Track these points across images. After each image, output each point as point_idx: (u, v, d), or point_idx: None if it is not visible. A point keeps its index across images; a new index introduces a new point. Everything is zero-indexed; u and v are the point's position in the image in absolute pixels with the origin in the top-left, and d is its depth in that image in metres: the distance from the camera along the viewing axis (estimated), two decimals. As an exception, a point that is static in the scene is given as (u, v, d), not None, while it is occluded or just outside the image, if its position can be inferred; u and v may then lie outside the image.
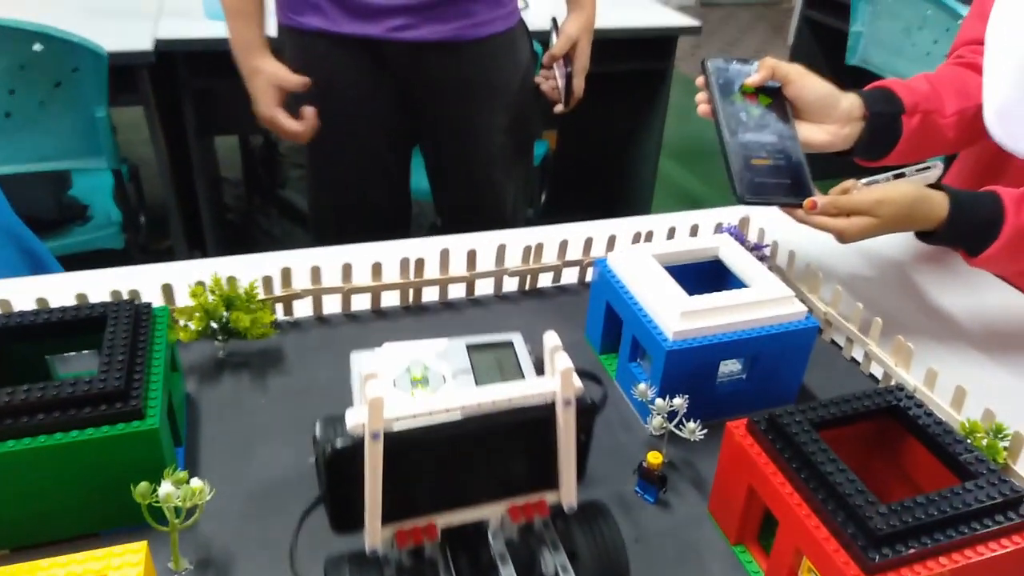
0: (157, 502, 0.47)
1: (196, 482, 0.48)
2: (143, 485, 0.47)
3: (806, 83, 0.75)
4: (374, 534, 0.44)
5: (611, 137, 2.60)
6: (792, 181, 0.72)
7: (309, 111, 1.13)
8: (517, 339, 0.56)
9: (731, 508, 0.54)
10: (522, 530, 0.48)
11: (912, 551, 0.43)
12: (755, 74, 0.74)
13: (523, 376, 0.52)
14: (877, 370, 0.71)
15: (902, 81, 0.81)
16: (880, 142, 0.79)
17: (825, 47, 3.00)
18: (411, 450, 0.44)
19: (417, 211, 1.51)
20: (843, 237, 0.72)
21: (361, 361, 0.56)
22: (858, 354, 0.74)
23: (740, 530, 0.54)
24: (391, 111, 1.22)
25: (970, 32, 0.88)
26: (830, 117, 0.76)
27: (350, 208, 1.29)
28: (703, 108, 0.76)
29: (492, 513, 0.48)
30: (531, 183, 1.80)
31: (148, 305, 0.58)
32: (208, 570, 0.51)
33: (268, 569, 0.51)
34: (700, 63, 0.77)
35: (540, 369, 0.52)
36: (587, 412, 0.46)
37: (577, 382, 0.44)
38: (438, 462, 0.45)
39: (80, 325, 0.55)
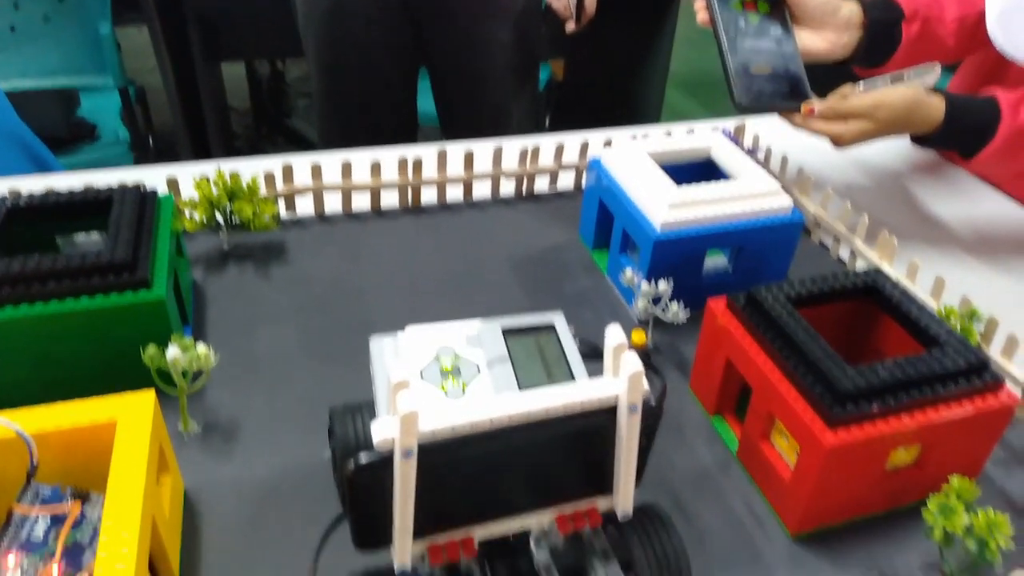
0: (165, 366, 0.50)
1: (202, 347, 0.51)
2: (152, 348, 0.50)
3: None
4: (403, 553, 0.39)
5: (618, 65, 2.57)
6: (790, 87, 0.73)
7: None
8: (559, 321, 0.48)
9: (710, 382, 0.57)
10: (570, 539, 0.43)
11: (875, 408, 0.46)
12: None
13: (568, 366, 0.46)
14: (862, 267, 0.73)
15: None
16: (879, 50, 0.79)
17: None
18: (447, 459, 0.37)
19: (423, 139, 1.52)
20: (840, 142, 0.72)
21: (383, 349, 0.46)
22: (845, 254, 0.76)
23: (718, 402, 0.57)
24: (397, 29, 1.21)
25: None
26: (829, 24, 0.76)
27: (358, 131, 1.30)
28: (702, 16, 0.76)
29: (537, 523, 0.42)
30: (537, 107, 1.79)
31: (154, 191, 0.60)
32: (215, 433, 0.54)
33: (274, 433, 0.54)
34: None
35: (586, 355, 0.47)
36: (652, 415, 0.41)
37: (645, 385, 0.38)
38: (476, 470, 0.39)
39: (87, 207, 0.58)
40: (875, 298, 0.55)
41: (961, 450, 0.50)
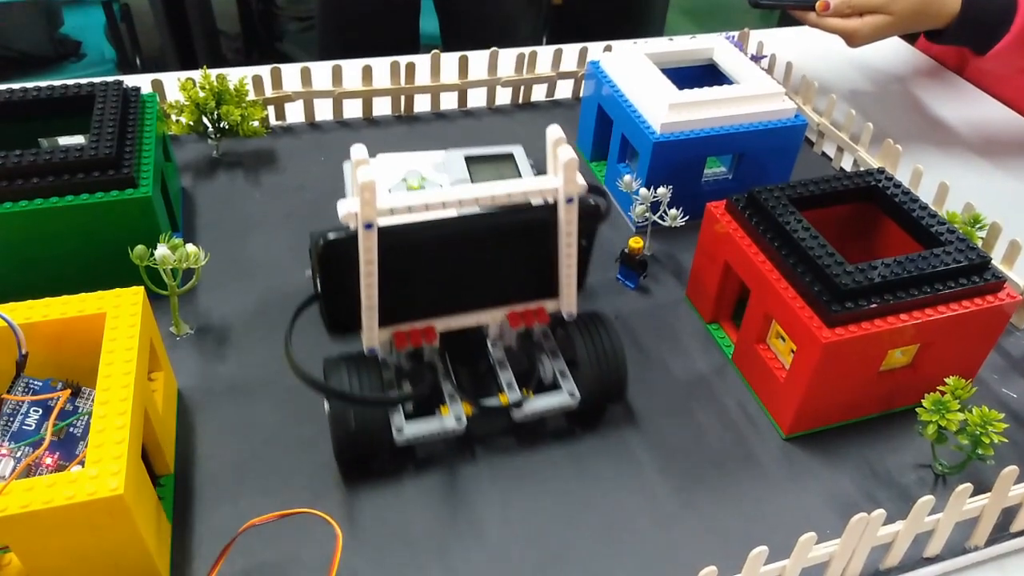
0: (154, 264, 0.49)
1: (191, 247, 0.50)
2: (140, 248, 0.49)
3: None
4: (371, 333, 0.42)
5: (620, -13, 2.48)
6: None
7: None
8: (518, 151, 0.52)
9: (707, 288, 0.56)
10: (521, 337, 0.47)
11: (874, 306, 0.45)
12: None
13: None
14: (866, 177, 0.72)
15: None
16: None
17: None
18: (407, 248, 0.41)
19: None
20: (854, 38, 0.70)
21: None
22: (847, 164, 0.74)
23: (715, 309, 0.57)
24: None
25: None
26: None
27: (358, 51, 1.25)
28: None
29: (491, 319, 0.46)
30: (540, 25, 1.74)
31: (137, 89, 0.58)
32: (208, 335, 0.54)
33: (265, 337, 0.54)
34: None
35: None
36: (590, 215, 0.44)
37: (580, 179, 0.42)
38: (436, 264, 0.43)
39: (69, 104, 0.56)
40: (877, 200, 0.54)
41: (958, 351, 0.50)
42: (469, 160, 0.51)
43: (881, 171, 0.54)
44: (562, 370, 0.47)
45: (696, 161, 0.63)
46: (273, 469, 0.46)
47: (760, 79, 0.64)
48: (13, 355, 0.41)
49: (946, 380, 0.46)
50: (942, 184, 0.63)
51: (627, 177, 0.60)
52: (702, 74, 0.70)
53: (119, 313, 0.42)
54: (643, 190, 0.59)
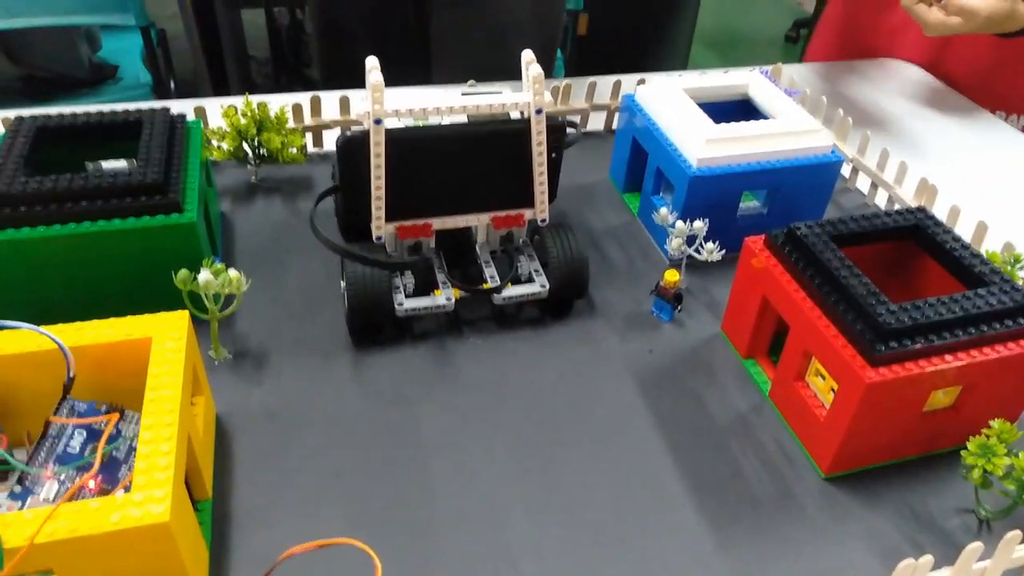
0: (197, 289, 0.50)
1: (234, 272, 0.51)
2: (183, 272, 0.50)
3: None
4: (379, 221, 0.53)
5: (642, 21, 2.51)
6: None
7: None
8: (506, 90, 0.61)
9: (743, 323, 0.56)
10: (503, 240, 0.58)
11: (918, 346, 0.44)
12: None
13: None
14: (901, 213, 0.71)
15: None
16: None
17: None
18: (408, 150, 0.51)
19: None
20: (930, 31, 0.77)
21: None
22: (882, 201, 0.74)
23: (751, 345, 0.56)
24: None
25: None
26: None
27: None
28: None
29: (479, 222, 0.57)
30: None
31: (183, 116, 0.60)
32: (245, 360, 0.54)
33: (302, 362, 0.54)
34: None
35: None
36: (557, 129, 0.54)
37: (548, 96, 0.52)
38: (433, 168, 0.53)
39: (117, 130, 0.57)
40: (918, 239, 0.54)
41: (1001, 393, 0.49)
42: (465, 96, 0.59)
43: (922, 209, 0.54)
44: (536, 268, 0.57)
45: (732, 196, 0.63)
46: (308, 496, 0.46)
47: (797, 114, 0.64)
48: (60, 377, 0.41)
49: (990, 423, 0.45)
50: (980, 223, 0.62)
51: (663, 210, 0.61)
52: (737, 109, 0.71)
53: (165, 337, 0.42)
54: (679, 223, 0.59)
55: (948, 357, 0.45)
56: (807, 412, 0.50)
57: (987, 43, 0.91)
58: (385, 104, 0.49)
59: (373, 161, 0.50)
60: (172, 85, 1.70)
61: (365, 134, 0.50)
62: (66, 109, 0.76)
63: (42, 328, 0.40)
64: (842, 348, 0.46)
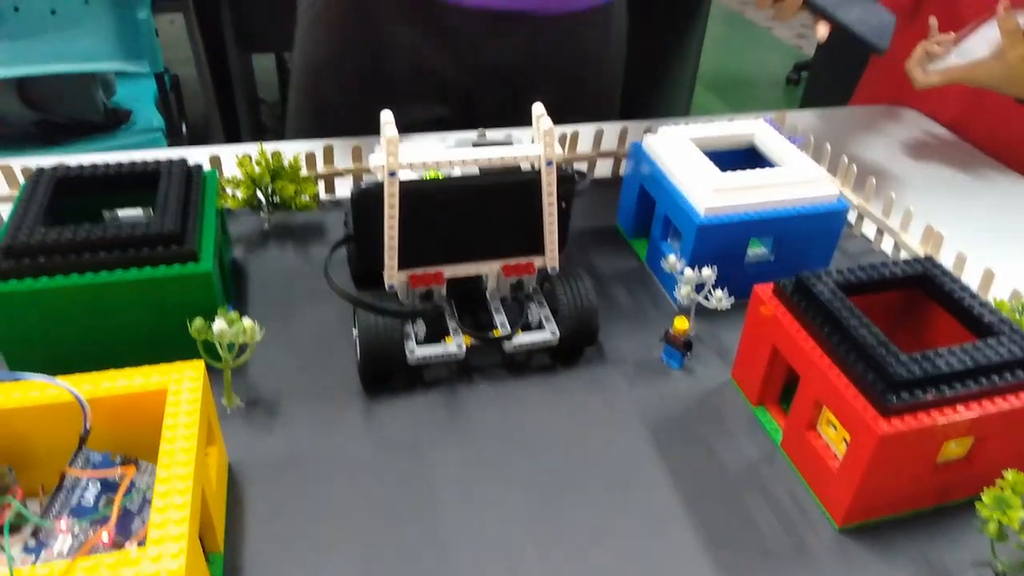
0: (211, 339, 0.51)
1: (248, 321, 0.51)
2: (199, 321, 0.50)
3: None
4: (392, 270, 0.54)
5: (648, 61, 2.55)
6: (874, 8, 0.76)
7: None
8: (516, 138, 0.65)
9: (754, 371, 0.56)
10: (514, 287, 0.59)
11: (930, 397, 0.45)
12: None
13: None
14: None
15: None
16: None
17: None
18: (421, 202, 0.53)
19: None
20: (918, 88, 0.82)
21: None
22: (888, 246, 0.74)
23: (761, 392, 0.56)
24: (438, 93, 0.94)
25: None
26: None
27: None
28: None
29: (490, 270, 0.58)
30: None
31: (199, 166, 0.61)
32: (258, 409, 0.54)
33: (316, 410, 0.54)
34: None
35: None
36: (567, 180, 0.55)
37: (558, 147, 0.52)
38: (444, 218, 0.54)
39: (134, 180, 0.58)
40: (926, 287, 0.54)
41: (1014, 444, 0.49)
42: (476, 145, 0.61)
43: (929, 259, 0.55)
44: (546, 315, 0.58)
45: (740, 243, 0.64)
46: (321, 546, 0.46)
47: (802, 163, 0.65)
48: (75, 428, 0.41)
49: (1004, 474, 0.45)
50: (987, 271, 0.63)
51: (672, 258, 0.61)
52: (743, 157, 0.72)
53: (180, 388, 0.42)
54: (688, 271, 0.60)
55: (960, 408, 0.45)
56: (820, 462, 0.50)
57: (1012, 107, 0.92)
58: (401, 155, 0.50)
59: (387, 212, 0.51)
60: (184, 129, 1.73)
61: (379, 186, 0.51)
62: (84, 158, 0.77)
63: (60, 380, 0.40)
64: (853, 399, 0.46)
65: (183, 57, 1.90)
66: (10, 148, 1.44)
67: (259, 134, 2.55)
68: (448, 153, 0.52)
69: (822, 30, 0.74)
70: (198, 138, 1.93)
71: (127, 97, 1.66)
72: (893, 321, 0.56)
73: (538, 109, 0.53)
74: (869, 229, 0.77)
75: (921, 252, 0.69)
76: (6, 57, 1.32)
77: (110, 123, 1.55)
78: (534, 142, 0.54)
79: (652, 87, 2.59)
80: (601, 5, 0.95)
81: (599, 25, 0.96)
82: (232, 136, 2.03)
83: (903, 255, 0.72)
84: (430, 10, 0.87)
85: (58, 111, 1.48)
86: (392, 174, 0.50)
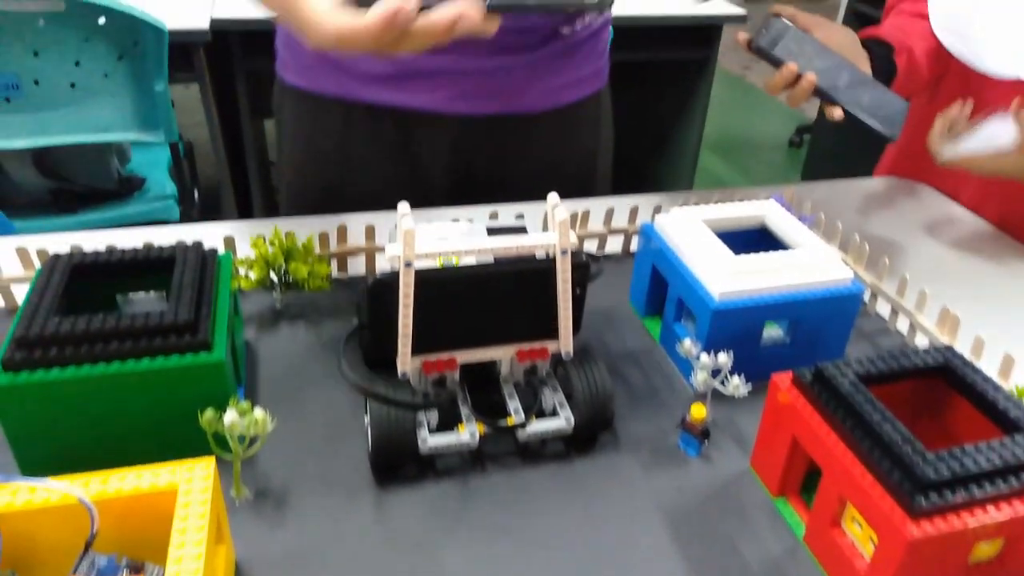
0: (222, 430, 0.50)
1: (259, 412, 0.50)
2: (209, 412, 0.50)
3: (839, 34, 0.80)
4: (405, 358, 0.53)
5: (652, 125, 2.60)
6: (883, 94, 0.76)
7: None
8: (530, 225, 0.64)
9: (773, 461, 0.55)
10: (527, 372, 0.58)
11: (960, 499, 0.43)
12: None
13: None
14: (922, 341, 0.71)
15: (880, 29, 0.91)
16: (883, 81, 0.83)
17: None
18: (436, 290, 0.52)
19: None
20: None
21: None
22: (903, 326, 0.74)
23: (782, 483, 0.55)
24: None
25: None
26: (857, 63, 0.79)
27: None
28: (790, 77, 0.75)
29: (503, 355, 0.57)
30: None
31: (214, 250, 0.61)
32: (267, 500, 0.53)
33: (326, 501, 0.53)
34: (755, 49, 0.77)
35: None
36: (582, 267, 0.55)
37: (573, 236, 0.52)
38: (459, 305, 0.54)
39: (149, 266, 0.58)
40: (947, 377, 0.53)
41: (1047, 543, 0.47)
42: (490, 230, 0.62)
43: (949, 349, 0.54)
44: (560, 401, 0.57)
45: (755, 327, 0.63)
46: (330, 654, 0.44)
47: (816, 245, 0.65)
48: (81, 529, 0.41)
49: (1039, 577, 0.44)
50: (1007, 356, 0.62)
51: (687, 342, 0.61)
52: (755, 237, 0.72)
53: (190, 488, 0.42)
54: (703, 357, 0.59)
55: (990, 509, 0.44)
56: (846, 562, 0.48)
57: None
58: (417, 244, 0.50)
59: (402, 301, 0.51)
60: (196, 195, 1.75)
61: (394, 276, 0.51)
62: (100, 235, 0.78)
63: (68, 485, 0.39)
64: (880, 499, 0.44)
65: (196, 121, 1.94)
66: (25, 215, 1.46)
67: (269, 195, 2.58)
68: (463, 242, 0.52)
69: (836, 112, 0.75)
70: (210, 203, 1.95)
71: (141, 164, 1.69)
72: (914, 411, 0.55)
73: (553, 199, 0.53)
74: (884, 307, 0.76)
75: (938, 334, 0.68)
76: (26, 128, 1.34)
77: (124, 191, 1.57)
78: (547, 230, 0.54)
79: (658, 151, 2.63)
80: (590, 95, 0.94)
81: (589, 115, 0.96)
82: (243, 198, 2.05)
83: (919, 336, 0.71)
84: (410, 124, 0.87)
85: (74, 180, 1.50)
86: (408, 265, 0.50)
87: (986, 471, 0.44)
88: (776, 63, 0.75)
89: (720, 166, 3.43)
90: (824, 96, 0.75)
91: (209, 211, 1.99)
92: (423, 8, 0.49)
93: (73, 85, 1.36)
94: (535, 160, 0.93)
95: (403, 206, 0.51)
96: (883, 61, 0.85)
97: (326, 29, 0.48)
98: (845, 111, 0.75)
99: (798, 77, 0.74)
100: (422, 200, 0.88)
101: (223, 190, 1.91)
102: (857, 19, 3.00)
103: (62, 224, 1.51)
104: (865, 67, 0.81)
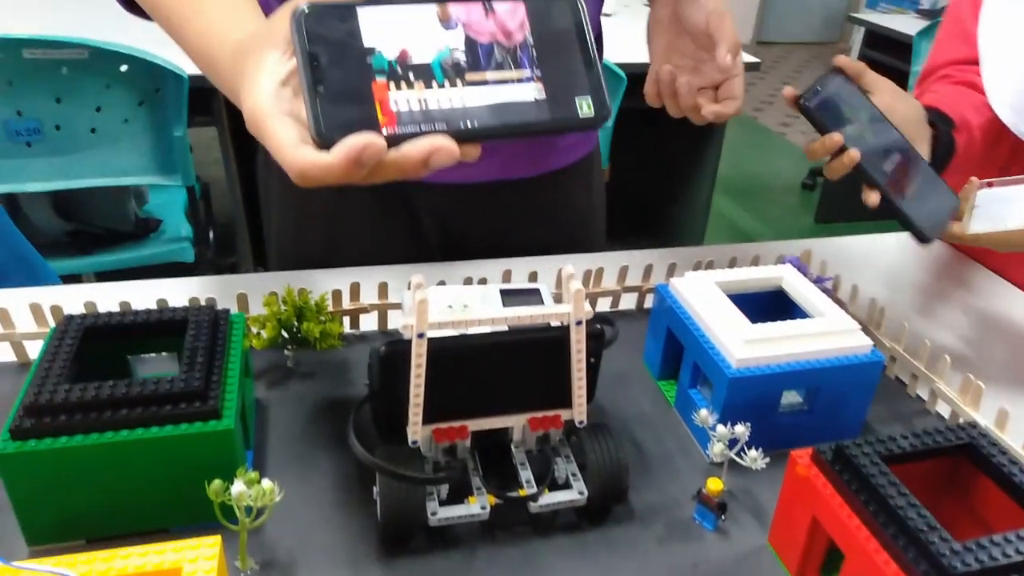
0: (229, 501, 0.49)
1: (267, 483, 0.50)
2: (217, 483, 0.49)
3: (905, 106, 0.73)
4: (416, 427, 0.53)
5: (665, 171, 2.61)
6: (936, 191, 0.70)
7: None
8: (544, 288, 0.65)
9: (793, 540, 0.53)
10: (540, 440, 0.57)
11: (987, 592, 0.42)
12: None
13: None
14: (944, 408, 0.70)
15: (938, 98, 0.83)
16: (942, 160, 0.79)
17: (887, 86, 2.96)
18: (448, 358, 0.52)
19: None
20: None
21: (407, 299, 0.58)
22: (924, 391, 0.72)
23: (802, 563, 0.53)
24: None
25: (950, 53, 0.91)
26: (918, 141, 0.74)
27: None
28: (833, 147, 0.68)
29: (515, 423, 0.56)
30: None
31: (226, 311, 0.61)
32: (273, 571, 0.52)
33: (332, 574, 0.52)
34: (800, 108, 0.69)
35: None
36: (596, 337, 0.55)
37: (587, 306, 0.52)
38: (471, 373, 0.53)
39: (161, 327, 0.58)
40: (972, 456, 0.52)
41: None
42: (503, 293, 0.61)
43: (974, 426, 0.53)
44: (574, 472, 0.57)
45: (773, 395, 0.62)
46: None
47: (834, 313, 0.64)
48: (84, 609, 0.40)
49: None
50: (1033, 430, 0.60)
51: (703, 412, 0.60)
52: (772, 301, 0.71)
53: (196, 569, 0.41)
54: (720, 427, 0.58)
55: (1020, 602, 0.42)
56: (869, 652, 0.46)
57: None
58: (430, 314, 0.50)
59: (414, 371, 0.51)
60: (211, 236, 1.77)
61: (406, 344, 0.50)
62: (114, 291, 0.78)
63: (64, 569, 0.39)
64: (905, 589, 0.43)
65: (214, 159, 1.97)
66: (42, 256, 1.47)
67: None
68: (477, 312, 0.52)
69: (873, 198, 0.69)
70: (226, 241, 1.97)
71: (158, 205, 1.71)
72: (938, 489, 0.54)
73: (568, 270, 0.53)
74: (904, 372, 0.75)
75: (960, 402, 0.67)
76: (46, 172, 1.36)
77: (140, 232, 1.58)
78: (562, 301, 0.54)
79: (672, 195, 2.64)
80: (582, 157, 0.95)
81: (583, 175, 0.96)
82: (257, 235, 2.07)
83: (940, 404, 0.70)
84: (403, 194, 0.87)
85: (91, 222, 1.52)
86: (421, 335, 0.49)
87: (1016, 563, 0.43)
88: (822, 129, 0.68)
89: (733, 209, 3.43)
90: (866, 177, 0.68)
91: (225, 250, 2.01)
92: (394, 141, 0.43)
93: (94, 130, 1.38)
94: (530, 222, 0.93)
95: (416, 277, 0.51)
96: (944, 138, 0.78)
97: (289, 164, 0.42)
98: (884, 198, 0.68)
99: (843, 148, 0.68)
100: (419, 257, 0.88)
101: (238, 228, 1.93)
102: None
103: (79, 265, 1.52)
104: (924, 147, 0.75)
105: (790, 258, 0.80)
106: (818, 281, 0.81)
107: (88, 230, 1.52)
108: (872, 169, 0.68)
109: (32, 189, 1.38)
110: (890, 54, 2.88)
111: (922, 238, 0.69)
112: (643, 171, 2.68)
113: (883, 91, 0.73)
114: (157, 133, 1.43)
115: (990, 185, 0.72)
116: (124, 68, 1.36)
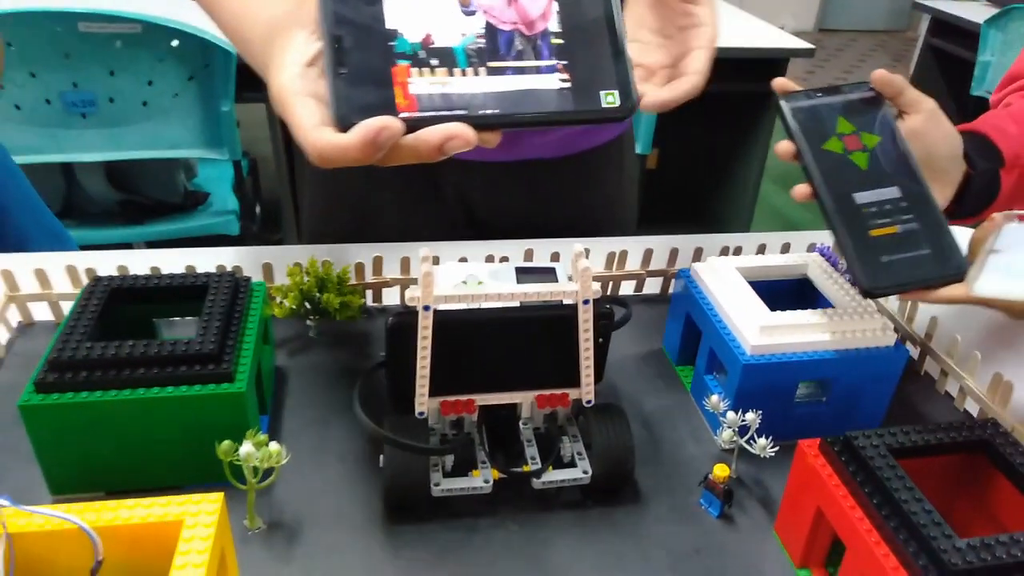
0: (238, 461, 0.51)
1: (274, 445, 0.51)
2: (226, 443, 0.51)
3: (937, 135, 0.64)
4: (423, 399, 0.53)
5: (713, 156, 2.56)
6: (933, 248, 0.57)
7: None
8: (560, 268, 0.63)
9: (797, 529, 0.53)
10: (547, 418, 0.58)
11: (988, 591, 0.41)
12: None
13: None
14: (972, 407, 0.67)
15: (991, 123, 0.72)
16: (976, 202, 0.71)
17: (949, 77, 2.85)
18: (456, 332, 0.52)
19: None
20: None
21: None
22: (952, 388, 0.70)
23: (805, 553, 0.52)
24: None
25: None
26: (943, 178, 0.66)
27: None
28: (784, 155, 0.62)
29: (523, 399, 0.57)
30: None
31: (247, 279, 0.62)
32: (280, 531, 0.54)
33: (337, 537, 0.53)
34: (775, 105, 0.63)
35: None
36: (604, 317, 0.55)
37: (596, 285, 0.52)
38: (480, 347, 0.54)
39: (185, 292, 0.60)
40: (988, 453, 0.50)
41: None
42: (519, 270, 0.60)
43: (993, 423, 0.51)
44: (579, 451, 0.57)
45: (788, 384, 0.61)
46: None
47: (858, 304, 0.63)
48: (87, 555, 0.41)
49: None
50: (1062, 432, 0.58)
51: (715, 398, 0.59)
52: (796, 289, 0.69)
53: (196, 522, 0.42)
54: (730, 413, 0.57)
55: (1024, 605, 0.41)
56: (865, 646, 0.45)
57: None
58: (435, 289, 0.50)
59: (420, 343, 0.51)
60: (258, 210, 1.81)
61: (414, 316, 0.51)
62: (147, 257, 0.80)
63: (72, 515, 0.40)
64: (903, 584, 0.42)
65: (263, 136, 2.01)
66: (95, 225, 1.53)
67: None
68: (487, 288, 0.52)
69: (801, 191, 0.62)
70: (273, 217, 2.01)
71: (207, 179, 1.76)
72: (954, 486, 0.52)
73: (577, 248, 0.53)
74: (933, 368, 0.73)
75: (988, 401, 0.64)
76: (100, 143, 1.41)
77: (188, 204, 1.63)
78: (572, 280, 0.54)
79: (719, 183, 2.59)
80: (612, 139, 0.93)
81: (613, 158, 0.95)
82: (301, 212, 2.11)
83: (969, 401, 0.68)
84: (432, 173, 0.87)
85: (142, 193, 1.57)
86: (427, 308, 0.50)
87: (1021, 563, 0.41)
88: (787, 135, 0.62)
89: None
90: (823, 211, 0.59)
91: (271, 226, 2.05)
92: (413, 125, 0.43)
93: (145, 103, 1.42)
94: (557, 203, 0.93)
95: (424, 249, 0.51)
96: (981, 178, 0.69)
97: (309, 144, 0.43)
98: (826, 221, 0.58)
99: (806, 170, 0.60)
100: (446, 236, 0.89)
101: (284, 205, 1.97)
102: (934, 54, 2.90)
103: (129, 235, 1.58)
104: (946, 188, 0.66)
105: (820, 247, 0.78)
106: (847, 274, 0.79)
107: (139, 200, 1.57)
108: (830, 200, 0.58)
109: (86, 159, 1.43)
110: (957, 43, 2.76)
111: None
112: (691, 158, 2.64)
113: (919, 112, 0.64)
114: (205, 107, 1.47)
115: (1022, 219, 0.58)
116: (175, 43, 1.40)
